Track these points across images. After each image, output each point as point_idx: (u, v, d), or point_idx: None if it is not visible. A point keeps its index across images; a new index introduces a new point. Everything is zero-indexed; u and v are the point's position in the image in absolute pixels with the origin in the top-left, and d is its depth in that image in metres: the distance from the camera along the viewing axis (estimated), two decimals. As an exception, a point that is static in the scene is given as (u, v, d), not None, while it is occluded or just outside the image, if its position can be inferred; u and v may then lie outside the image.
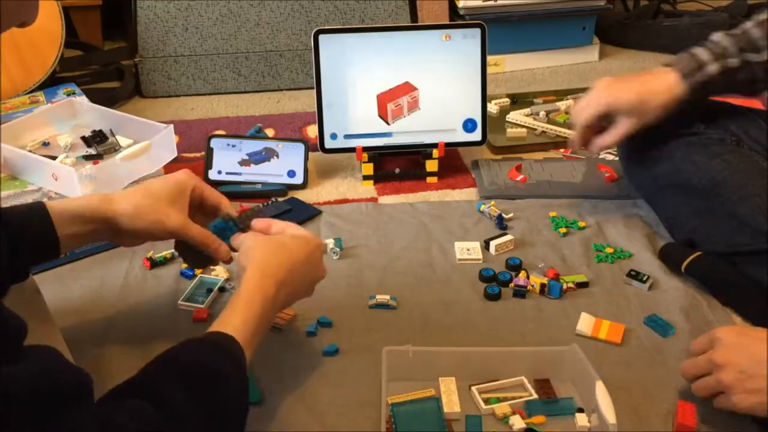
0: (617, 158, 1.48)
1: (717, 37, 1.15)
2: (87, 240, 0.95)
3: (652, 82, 1.16)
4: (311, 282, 0.96)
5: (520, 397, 0.93)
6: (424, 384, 0.94)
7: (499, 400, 0.92)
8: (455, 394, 0.92)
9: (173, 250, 1.21)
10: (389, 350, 0.94)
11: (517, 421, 0.89)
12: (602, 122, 1.21)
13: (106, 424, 0.64)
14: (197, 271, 1.16)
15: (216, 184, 1.41)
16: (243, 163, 1.43)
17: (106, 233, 0.94)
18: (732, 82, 1.15)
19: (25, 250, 0.86)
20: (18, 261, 0.85)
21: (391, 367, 0.93)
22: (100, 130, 1.44)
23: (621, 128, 1.19)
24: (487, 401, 0.92)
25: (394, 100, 1.42)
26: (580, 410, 0.90)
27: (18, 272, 0.88)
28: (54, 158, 1.35)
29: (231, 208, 1.01)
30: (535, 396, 0.93)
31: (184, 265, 1.18)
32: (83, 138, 1.44)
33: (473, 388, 0.93)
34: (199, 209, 1.00)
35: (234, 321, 0.83)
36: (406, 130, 1.44)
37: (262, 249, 0.91)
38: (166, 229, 0.93)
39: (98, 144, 1.42)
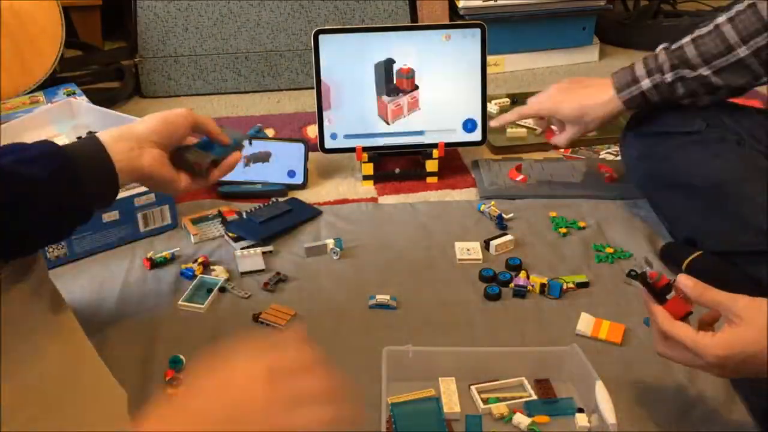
0: (617, 158, 1.48)
1: (658, 50, 1.19)
2: (130, 165, 0.94)
3: (593, 95, 1.24)
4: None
5: (520, 398, 0.93)
6: (424, 384, 0.94)
7: (498, 400, 0.92)
8: (455, 394, 0.92)
9: (173, 251, 1.21)
10: (389, 350, 0.94)
11: (523, 420, 0.89)
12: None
13: None
14: (197, 271, 1.16)
15: (216, 184, 1.41)
16: (243, 163, 1.43)
17: (136, 153, 0.94)
18: (670, 96, 1.18)
19: (91, 191, 0.87)
20: (83, 199, 0.87)
21: (391, 367, 0.93)
22: (98, 132, 1.44)
23: (566, 134, 1.30)
24: (486, 401, 0.92)
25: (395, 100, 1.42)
26: (581, 410, 0.90)
27: (84, 213, 0.89)
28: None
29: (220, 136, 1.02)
30: (534, 396, 0.93)
31: (184, 266, 1.18)
32: (80, 138, 1.44)
33: (472, 388, 0.93)
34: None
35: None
36: (406, 130, 1.44)
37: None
38: (180, 113, 0.97)
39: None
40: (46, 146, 0.87)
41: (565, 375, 0.95)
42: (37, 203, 0.80)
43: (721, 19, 1.12)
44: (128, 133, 0.94)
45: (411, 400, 0.92)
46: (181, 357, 0.99)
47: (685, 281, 0.83)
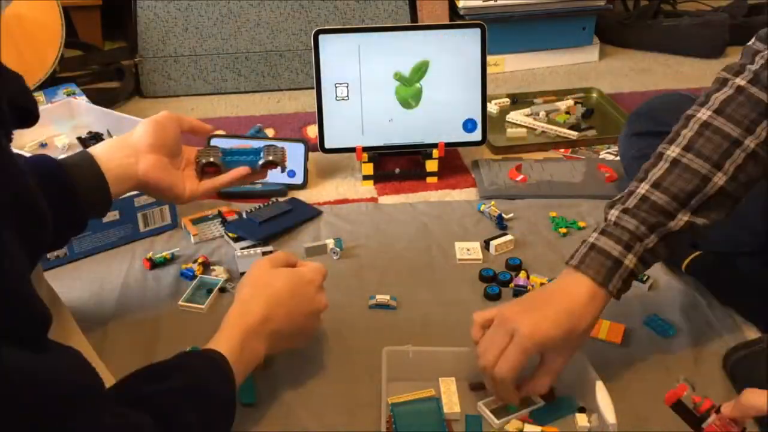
0: (617, 158, 1.48)
1: (613, 217, 0.90)
2: (126, 173, 0.97)
3: (570, 303, 0.87)
4: (306, 317, 0.93)
5: (528, 407, 0.92)
6: (424, 384, 0.94)
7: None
8: (455, 394, 0.92)
9: (173, 251, 1.21)
10: (389, 350, 0.94)
11: (534, 430, 0.88)
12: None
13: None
14: (197, 272, 1.16)
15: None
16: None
17: (132, 160, 0.97)
18: (652, 263, 0.91)
19: (84, 202, 0.89)
20: (74, 212, 0.89)
21: (391, 367, 0.93)
22: (97, 132, 1.44)
23: (554, 366, 0.89)
24: (495, 412, 0.91)
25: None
26: (582, 409, 0.90)
27: (75, 224, 0.91)
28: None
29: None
30: (541, 402, 0.92)
31: (184, 266, 1.18)
32: (79, 139, 1.44)
33: (480, 404, 0.92)
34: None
35: (220, 346, 0.84)
36: (406, 130, 1.44)
37: (251, 285, 0.92)
38: (167, 115, 0.99)
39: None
40: (38, 158, 0.88)
41: (565, 375, 0.95)
42: None
43: (675, 150, 0.92)
44: (122, 142, 0.96)
45: (411, 400, 0.91)
46: (198, 347, 0.99)
47: (727, 410, 0.77)
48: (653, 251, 0.89)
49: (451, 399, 0.92)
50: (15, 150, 1.27)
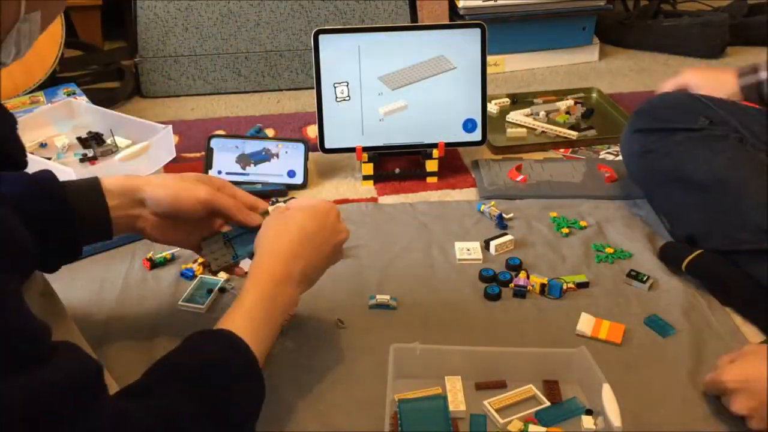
0: (617, 158, 1.48)
1: None
2: (127, 222, 0.93)
3: (720, 73, 1.34)
4: (333, 247, 0.92)
5: (533, 406, 0.92)
6: (431, 382, 0.94)
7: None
8: (461, 392, 0.92)
9: (173, 251, 1.21)
10: (397, 347, 0.94)
11: (539, 430, 0.88)
12: None
13: (120, 419, 0.65)
14: (197, 272, 1.16)
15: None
16: (243, 163, 1.43)
17: (137, 212, 0.93)
18: None
19: (79, 228, 0.87)
20: (70, 238, 0.87)
21: (398, 364, 0.93)
22: (97, 132, 1.44)
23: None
24: (499, 411, 0.91)
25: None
26: (588, 412, 0.90)
27: (70, 250, 0.90)
28: (50, 159, 1.35)
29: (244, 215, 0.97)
30: (547, 402, 0.92)
31: (184, 266, 1.18)
32: (79, 139, 1.44)
33: (486, 403, 0.92)
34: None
35: (241, 308, 0.82)
36: (406, 130, 1.44)
37: (270, 231, 0.90)
38: (196, 196, 0.91)
39: (96, 145, 1.42)
40: (45, 180, 0.87)
41: (572, 377, 0.95)
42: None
43: None
44: (132, 191, 0.91)
45: (417, 397, 0.92)
46: None
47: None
48: None
49: (456, 397, 0.92)
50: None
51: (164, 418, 0.69)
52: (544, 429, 0.88)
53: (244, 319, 0.81)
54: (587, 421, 0.89)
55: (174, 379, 0.74)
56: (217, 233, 0.98)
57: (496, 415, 0.90)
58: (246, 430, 0.80)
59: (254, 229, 0.93)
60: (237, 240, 0.98)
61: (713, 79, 1.31)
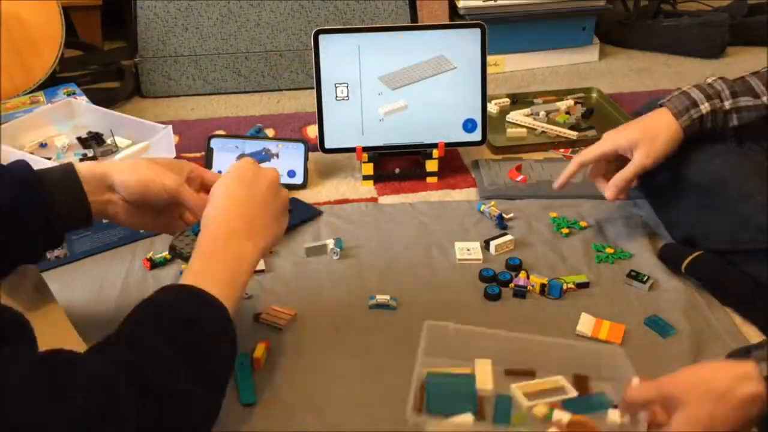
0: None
1: (710, 79, 1.19)
2: (99, 208, 0.93)
3: (652, 121, 1.17)
4: (268, 192, 0.93)
5: (560, 396, 0.91)
6: (460, 363, 0.93)
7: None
8: (490, 374, 0.92)
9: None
10: (430, 324, 0.93)
11: (564, 416, 0.86)
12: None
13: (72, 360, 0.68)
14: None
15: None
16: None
17: (107, 197, 0.93)
18: (722, 125, 1.17)
19: (58, 213, 0.87)
20: (52, 227, 0.87)
21: (429, 342, 0.92)
22: (97, 132, 1.44)
23: (630, 165, 1.18)
24: (526, 396, 0.90)
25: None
26: (616, 407, 0.88)
27: (53, 239, 0.89)
28: (50, 160, 1.35)
29: None
30: (575, 394, 0.91)
31: (185, 266, 1.17)
32: (79, 139, 1.44)
33: (513, 386, 0.91)
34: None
35: (193, 269, 0.85)
36: (406, 130, 1.44)
37: (208, 204, 0.92)
38: (163, 185, 0.92)
39: (96, 145, 1.42)
40: (18, 169, 0.86)
41: (603, 373, 0.93)
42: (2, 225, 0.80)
43: None
44: (102, 176, 0.91)
45: (447, 373, 0.91)
46: None
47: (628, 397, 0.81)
48: (724, 114, 1.15)
49: (485, 377, 0.91)
50: (15, 150, 1.28)
51: (136, 358, 0.71)
52: (569, 415, 0.86)
53: (203, 276, 0.83)
54: (613, 414, 0.87)
55: (149, 326, 0.77)
56: (186, 228, 1.00)
57: (522, 397, 0.89)
58: (220, 385, 0.81)
59: None
60: None
61: (647, 130, 1.16)
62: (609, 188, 1.20)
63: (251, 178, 0.92)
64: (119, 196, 0.93)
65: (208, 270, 0.85)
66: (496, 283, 1.15)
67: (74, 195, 0.88)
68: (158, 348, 0.74)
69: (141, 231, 1.25)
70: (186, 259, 0.96)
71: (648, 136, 1.16)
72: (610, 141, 1.20)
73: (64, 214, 0.87)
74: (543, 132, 1.62)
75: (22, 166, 0.87)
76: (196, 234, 0.96)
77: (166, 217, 0.98)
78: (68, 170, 0.89)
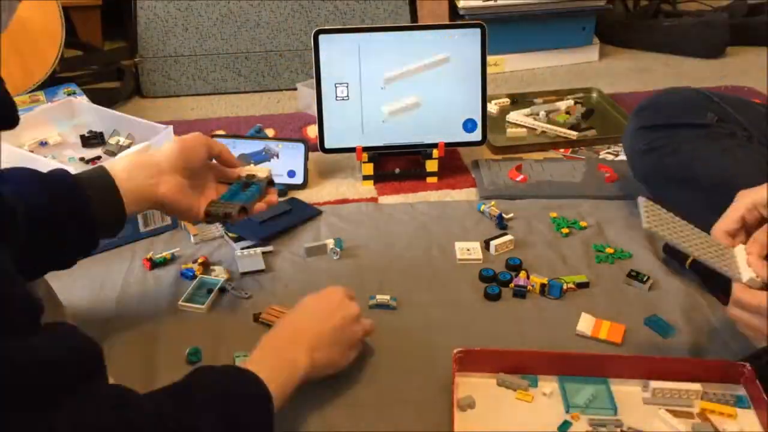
0: (617, 158, 1.48)
1: None
2: (146, 194, 0.95)
3: None
4: (341, 319, 0.93)
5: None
6: None
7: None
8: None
9: (173, 251, 1.21)
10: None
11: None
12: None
13: (120, 399, 0.67)
14: (197, 272, 1.16)
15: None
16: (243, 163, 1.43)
17: (154, 180, 0.95)
18: None
19: (95, 222, 0.89)
20: (88, 232, 0.89)
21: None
22: (100, 132, 1.44)
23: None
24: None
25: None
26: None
27: (87, 244, 0.91)
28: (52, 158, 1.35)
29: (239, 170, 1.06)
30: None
31: (185, 266, 1.18)
32: (82, 137, 1.44)
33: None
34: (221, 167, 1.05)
35: (252, 361, 0.85)
36: (406, 130, 1.44)
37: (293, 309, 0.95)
38: (199, 140, 0.98)
39: (96, 145, 1.42)
40: (56, 174, 0.88)
41: None
42: (38, 229, 0.81)
43: None
44: (146, 161, 0.95)
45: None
46: (199, 347, 1.01)
47: None
48: None
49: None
50: (15, 149, 1.28)
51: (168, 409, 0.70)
52: None
53: (256, 365, 0.82)
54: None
55: (188, 397, 0.74)
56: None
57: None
58: None
59: (244, 187, 1.04)
60: (234, 197, 1.03)
61: None
62: (758, 263, 0.89)
63: (335, 303, 0.94)
64: (164, 171, 0.95)
65: (264, 361, 0.85)
66: (496, 283, 1.15)
67: (110, 200, 0.91)
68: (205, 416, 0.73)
69: (141, 231, 1.25)
70: (220, 218, 1.00)
71: None
72: (747, 197, 0.95)
73: (99, 220, 0.89)
74: (543, 132, 1.62)
75: (61, 172, 0.90)
76: (226, 200, 1.02)
77: (202, 182, 1.01)
78: (103, 175, 0.91)
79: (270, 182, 1.08)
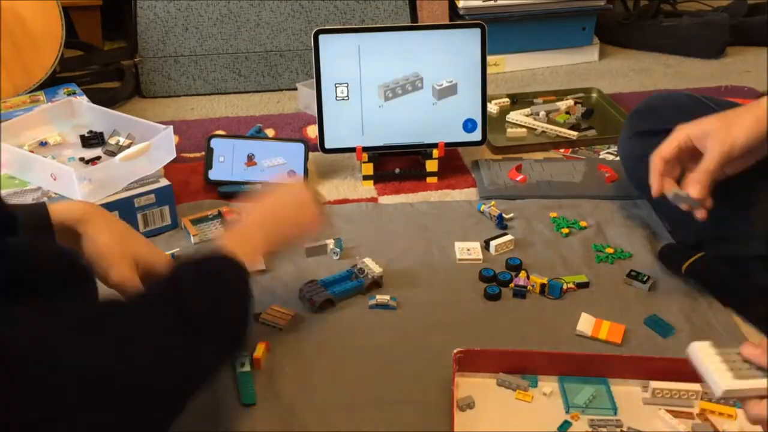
0: (617, 158, 1.48)
1: None
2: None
3: (734, 111, 1.05)
4: (294, 217, 1.04)
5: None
6: None
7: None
8: None
9: (173, 251, 1.21)
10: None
11: None
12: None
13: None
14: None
15: (216, 184, 1.41)
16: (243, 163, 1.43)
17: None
18: None
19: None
20: None
21: None
22: (101, 132, 1.44)
23: (711, 149, 1.02)
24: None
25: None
26: None
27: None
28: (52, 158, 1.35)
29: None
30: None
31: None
32: (82, 137, 1.44)
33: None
34: None
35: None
36: (406, 131, 1.44)
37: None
38: (107, 283, 0.91)
39: (96, 145, 1.42)
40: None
41: None
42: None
43: None
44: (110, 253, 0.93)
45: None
46: None
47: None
48: None
49: None
50: (15, 149, 1.27)
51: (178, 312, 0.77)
52: None
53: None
54: None
55: (184, 282, 0.82)
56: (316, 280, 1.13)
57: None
58: (240, 337, 0.88)
59: (354, 277, 1.14)
60: (338, 284, 1.12)
61: (724, 117, 1.04)
62: (691, 185, 1.03)
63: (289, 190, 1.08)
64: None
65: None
66: (496, 283, 1.15)
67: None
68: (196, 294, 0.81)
69: (141, 231, 1.25)
70: (317, 305, 1.08)
71: (724, 123, 1.02)
72: (682, 130, 1.06)
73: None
74: (543, 132, 1.62)
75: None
76: (324, 286, 1.11)
77: None
78: (40, 211, 0.91)
79: (377, 282, 1.13)
